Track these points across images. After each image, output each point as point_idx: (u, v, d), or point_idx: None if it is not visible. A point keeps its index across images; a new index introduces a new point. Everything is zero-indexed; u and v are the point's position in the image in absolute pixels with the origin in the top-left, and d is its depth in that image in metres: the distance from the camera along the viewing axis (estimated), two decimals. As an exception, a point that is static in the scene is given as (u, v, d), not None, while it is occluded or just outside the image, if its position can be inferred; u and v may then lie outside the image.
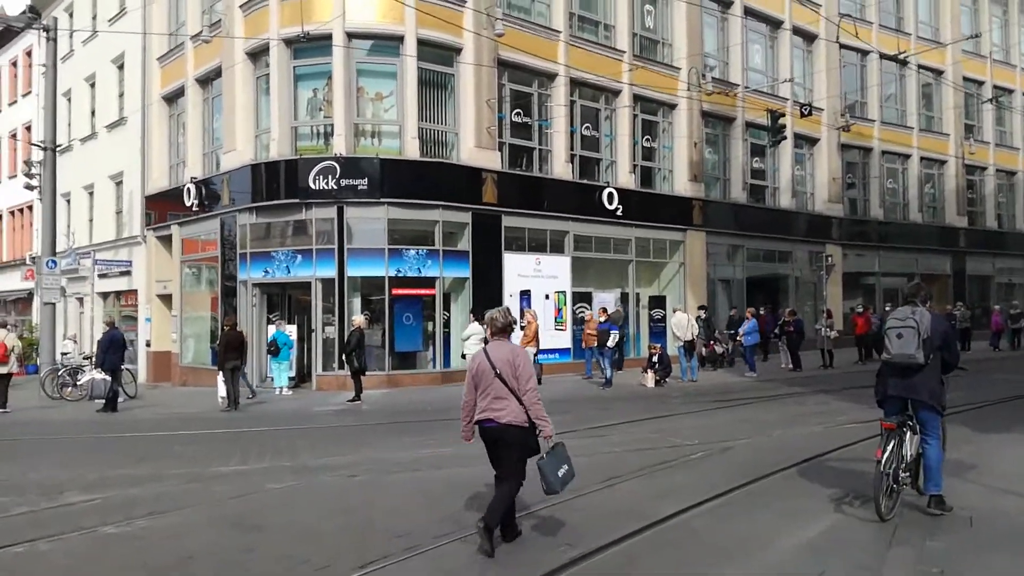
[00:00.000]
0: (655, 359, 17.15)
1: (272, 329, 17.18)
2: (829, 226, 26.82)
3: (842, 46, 27.60)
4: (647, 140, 22.66)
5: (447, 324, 17.99)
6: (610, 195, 20.63)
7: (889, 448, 5.85)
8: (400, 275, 17.24)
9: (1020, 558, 5.27)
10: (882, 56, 28.90)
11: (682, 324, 17.78)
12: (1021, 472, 7.63)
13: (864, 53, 28.50)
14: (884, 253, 28.83)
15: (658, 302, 22.14)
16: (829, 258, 22.44)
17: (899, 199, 29.71)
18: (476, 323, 15.17)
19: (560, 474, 5.43)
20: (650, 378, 16.76)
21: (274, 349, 16.51)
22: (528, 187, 19.55)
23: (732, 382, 17.75)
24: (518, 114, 19.71)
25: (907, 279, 30.34)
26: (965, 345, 25.74)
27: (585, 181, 20.78)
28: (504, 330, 5.64)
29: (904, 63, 29.49)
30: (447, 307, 18.21)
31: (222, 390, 14.06)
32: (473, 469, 8.24)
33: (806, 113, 20.90)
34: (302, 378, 17.82)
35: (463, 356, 15.55)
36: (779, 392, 15.47)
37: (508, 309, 5.93)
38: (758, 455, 8.78)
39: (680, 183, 22.91)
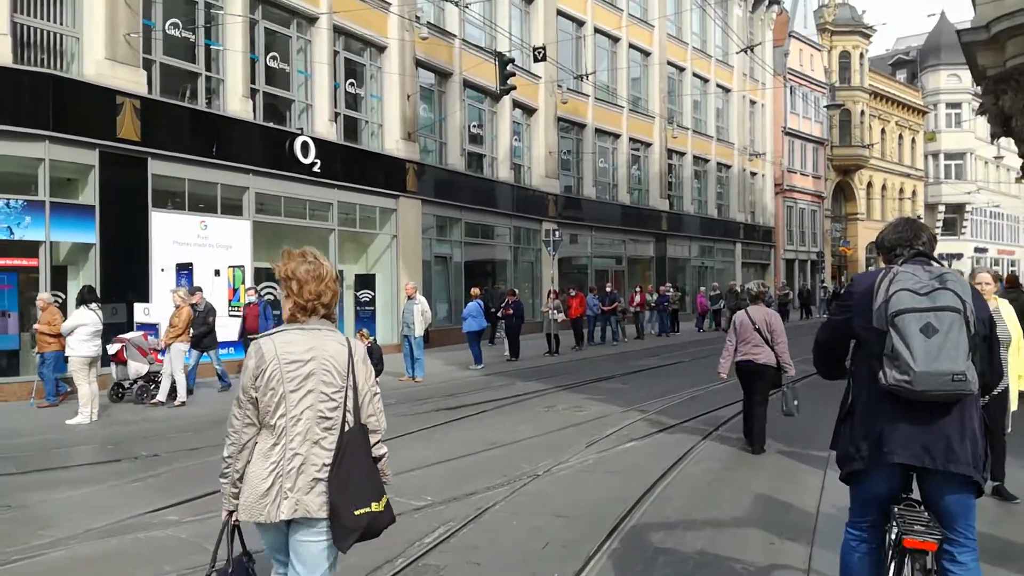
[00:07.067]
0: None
1: None
2: (546, 203, 25.02)
3: (559, 13, 26.19)
4: (351, 85, 18.58)
5: (61, 308, 12.37)
6: (304, 145, 16.26)
7: None
8: (-26, 237, 11.34)
9: None
10: (597, 30, 28.14)
11: (427, 310, 14.22)
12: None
13: (580, 24, 27.30)
14: (596, 234, 27.92)
15: (366, 282, 18.24)
16: (556, 232, 20.25)
17: (609, 179, 29.05)
18: (86, 309, 9.87)
19: (795, 403, 7.29)
20: (355, 379, 12.87)
21: None
22: (189, 124, 14.43)
23: (457, 378, 14.56)
24: (175, 26, 14.48)
25: (615, 261, 30.11)
26: (674, 327, 25.66)
27: (272, 125, 16.19)
28: (756, 298, 7.81)
29: (616, 39, 29.13)
30: (62, 285, 12.59)
31: None
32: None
33: (540, 57, 18.26)
34: None
35: (65, 359, 10.18)
36: (515, 392, 12.48)
37: (762, 282, 8.61)
38: (534, 531, 5.36)
39: (391, 141, 19.19)
